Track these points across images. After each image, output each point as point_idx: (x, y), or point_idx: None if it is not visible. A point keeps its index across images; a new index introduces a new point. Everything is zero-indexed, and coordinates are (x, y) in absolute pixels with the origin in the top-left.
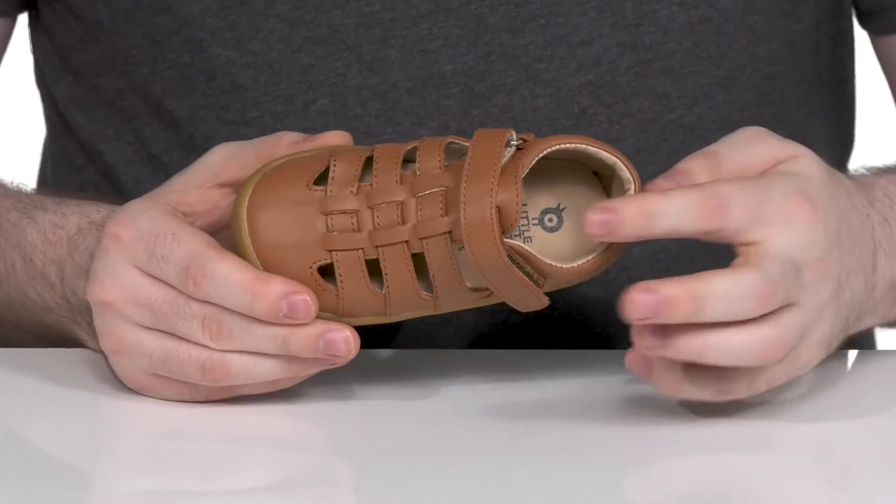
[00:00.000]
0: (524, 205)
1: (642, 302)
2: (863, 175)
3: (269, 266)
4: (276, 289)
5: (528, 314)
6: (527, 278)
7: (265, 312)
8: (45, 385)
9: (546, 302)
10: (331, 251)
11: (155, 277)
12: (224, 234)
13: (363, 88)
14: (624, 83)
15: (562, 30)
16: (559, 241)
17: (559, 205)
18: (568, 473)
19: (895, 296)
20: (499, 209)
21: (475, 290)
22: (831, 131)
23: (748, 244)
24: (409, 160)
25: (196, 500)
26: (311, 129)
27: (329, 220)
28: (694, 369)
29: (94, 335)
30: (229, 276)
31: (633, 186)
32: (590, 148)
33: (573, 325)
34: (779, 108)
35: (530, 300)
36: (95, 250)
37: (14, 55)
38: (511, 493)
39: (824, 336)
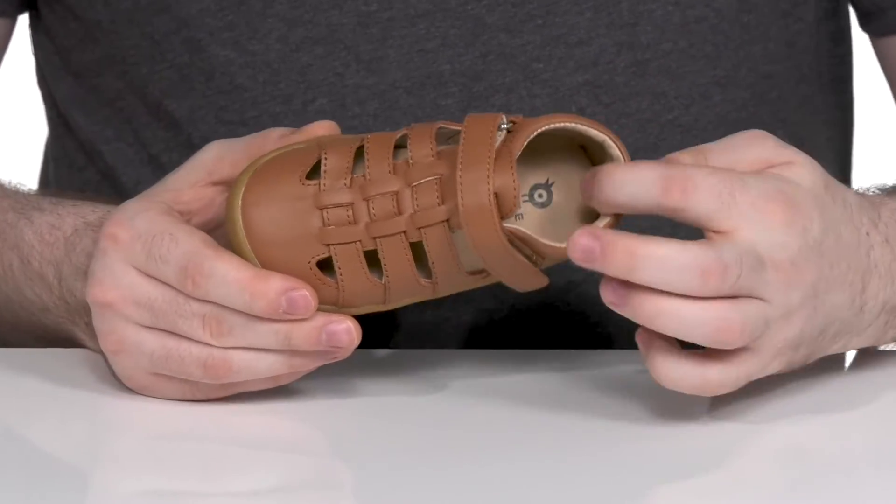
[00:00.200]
0: None
1: (581, 243)
2: (874, 194)
3: (267, 263)
4: (274, 286)
5: (527, 314)
6: (526, 260)
7: (265, 310)
8: (44, 385)
9: (546, 281)
10: (328, 245)
11: (153, 277)
12: (220, 231)
13: (361, 88)
14: (621, 83)
15: (559, 30)
16: (550, 216)
17: (548, 180)
18: (568, 473)
19: (889, 320)
20: (496, 195)
21: (473, 273)
22: (832, 131)
23: (717, 232)
24: (400, 146)
25: (196, 501)
26: None
27: (325, 215)
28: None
29: (93, 335)
30: (227, 274)
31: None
32: (579, 126)
33: (573, 325)
34: (778, 108)
35: (530, 281)
36: (93, 251)
37: (16, 56)
38: (511, 492)
39: (793, 337)
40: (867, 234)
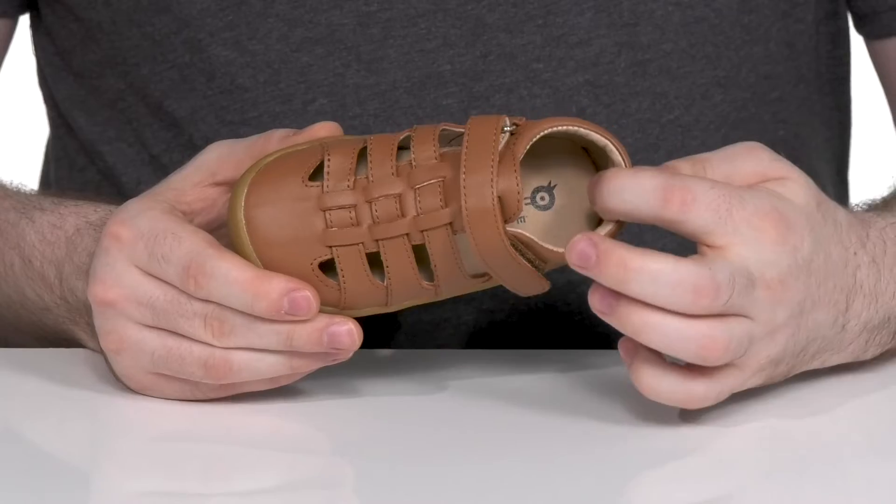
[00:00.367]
0: None
1: (579, 248)
2: (864, 213)
3: (269, 264)
4: (276, 287)
5: (527, 315)
6: (529, 265)
7: (267, 311)
8: (44, 385)
9: (547, 286)
10: (331, 247)
11: (155, 277)
12: (222, 232)
13: (362, 88)
14: (622, 83)
15: (559, 30)
16: (552, 219)
17: (550, 182)
18: (568, 472)
19: (870, 339)
20: (500, 198)
21: (475, 276)
22: (830, 131)
23: (710, 247)
24: (403, 147)
25: (196, 501)
26: None
27: (328, 216)
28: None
29: (94, 335)
30: (230, 274)
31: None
32: (581, 130)
33: (573, 325)
34: (778, 108)
35: (532, 285)
36: (95, 250)
37: (17, 56)
38: (511, 492)
39: (776, 354)
40: (855, 253)
